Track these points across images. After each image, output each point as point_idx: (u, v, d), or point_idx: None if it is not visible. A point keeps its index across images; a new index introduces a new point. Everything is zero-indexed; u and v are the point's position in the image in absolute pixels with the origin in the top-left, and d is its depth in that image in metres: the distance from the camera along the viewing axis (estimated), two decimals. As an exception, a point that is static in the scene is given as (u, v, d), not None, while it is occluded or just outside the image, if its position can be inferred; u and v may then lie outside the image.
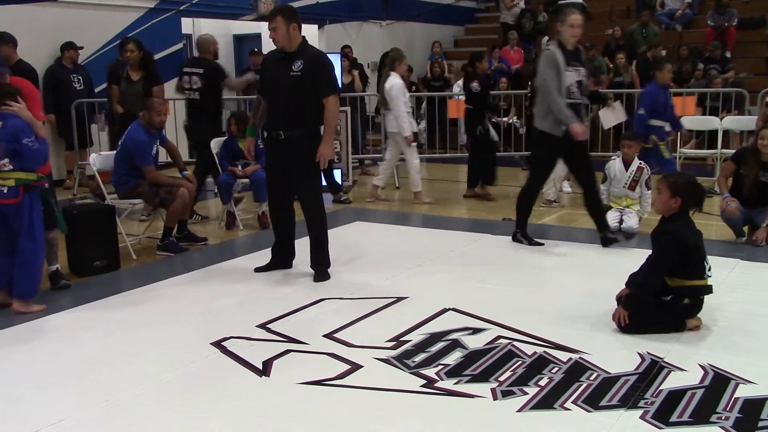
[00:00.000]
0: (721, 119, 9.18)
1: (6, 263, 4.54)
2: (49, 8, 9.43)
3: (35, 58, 8.45)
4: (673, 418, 3.06)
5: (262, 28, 14.59)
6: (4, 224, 4.48)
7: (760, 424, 3.02)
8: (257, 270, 5.31)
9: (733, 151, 7.18)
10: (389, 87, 7.81)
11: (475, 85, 8.14)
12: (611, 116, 8.72)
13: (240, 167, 6.86)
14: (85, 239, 5.36)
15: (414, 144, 8.05)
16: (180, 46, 11.51)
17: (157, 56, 10.53)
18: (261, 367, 3.63)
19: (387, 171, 8.46)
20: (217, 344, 3.93)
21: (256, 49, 12.20)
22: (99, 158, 6.38)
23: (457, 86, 12.07)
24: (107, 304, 4.70)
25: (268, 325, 4.21)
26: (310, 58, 4.96)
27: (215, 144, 7.23)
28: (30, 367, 3.72)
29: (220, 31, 15.26)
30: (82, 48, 9.38)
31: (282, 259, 5.34)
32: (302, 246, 5.29)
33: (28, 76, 6.86)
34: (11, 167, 4.40)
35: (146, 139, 5.96)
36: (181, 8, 11.28)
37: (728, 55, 11.95)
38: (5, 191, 4.40)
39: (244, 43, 15.60)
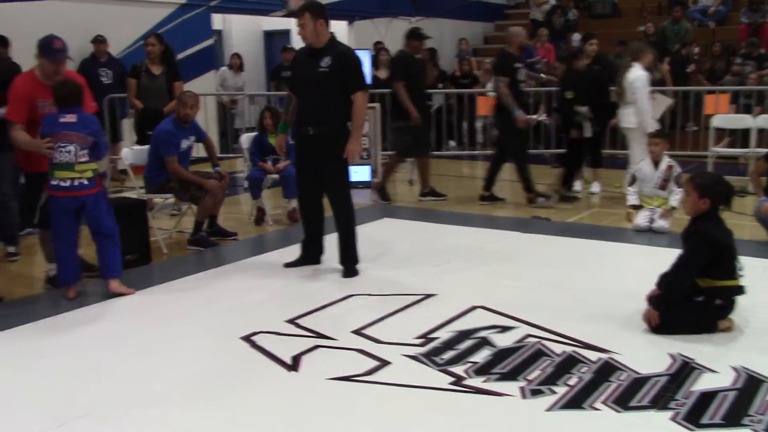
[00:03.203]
0: (754, 117, 9.04)
1: (74, 257, 4.69)
2: (82, 4, 9.55)
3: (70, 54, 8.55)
4: (704, 420, 3.03)
5: (292, 24, 14.62)
6: (77, 217, 4.62)
7: (794, 427, 2.98)
8: (286, 265, 5.34)
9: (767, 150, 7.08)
10: (634, 79, 7.33)
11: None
12: (657, 106, 8.56)
13: (270, 163, 6.90)
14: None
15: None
16: (210, 42, 11.59)
17: (187, 52, 10.70)
18: (290, 362, 3.65)
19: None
20: (247, 339, 3.96)
21: (288, 45, 12.25)
22: (131, 153, 6.46)
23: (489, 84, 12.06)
24: (138, 298, 4.76)
25: (297, 321, 4.23)
26: (338, 54, 4.97)
27: (246, 139, 7.28)
28: (61, 359, 3.78)
29: (251, 27, 15.43)
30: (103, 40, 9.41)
31: (311, 255, 5.37)
32: (331, 242, 5.31)
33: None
34: (88, 158, 4.57)
35: (172, 129, 6.02)
36: (212, 4, 11.35)
37: (762, 51, 11.76)
38: (86, 182, 4.58)
39: (274, 39, 15.68)
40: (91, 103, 5.08)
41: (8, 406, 3.26)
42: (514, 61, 7.57)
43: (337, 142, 4.98)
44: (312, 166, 5.13)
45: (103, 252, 4.74)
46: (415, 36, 7.75)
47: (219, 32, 14.20)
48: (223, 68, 12.52)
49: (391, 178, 8.24)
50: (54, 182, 4.54)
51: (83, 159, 4.55)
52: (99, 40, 9.22)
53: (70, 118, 4.54)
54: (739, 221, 6.36)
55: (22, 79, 4.95)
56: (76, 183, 4.55)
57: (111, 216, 4.75)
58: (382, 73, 10.38)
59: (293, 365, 3.63)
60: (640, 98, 7.31)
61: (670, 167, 6.40)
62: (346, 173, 5.20)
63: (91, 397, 3.31)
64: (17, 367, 3.70)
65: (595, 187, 8.09)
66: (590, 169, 8.24)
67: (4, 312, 4.53)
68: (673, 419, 3.04)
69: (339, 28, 12.09)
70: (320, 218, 5.32)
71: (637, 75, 7.37)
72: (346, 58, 4.99)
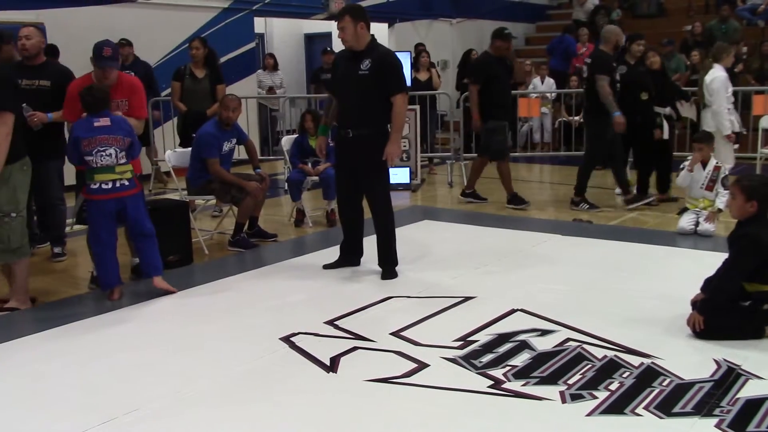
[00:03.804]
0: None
1: (115, 261, 4.77)
2: (126, 9, 9.72)
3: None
4: (751, 428, 2.95)
5: (333, 27, 14.66)
6: (115, 219, 4.70)
7: None
8: (326, 267, 5.35)
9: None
10: (710, 80, 7.23)
11: None
12: (686, 113, 8.40)
13: (310, 165, 6.94)
14: (160, 234, 5.50)
15: (736, 145, 7.50)
16: (252, 45, 11.70)
17: (230, 56, 10.82)
18: (328, 364, 3.66)
19: None
20: (286, 339, 3.98)
21: (328, 48, 12.31)
22: (174, 155, 6.55)
23: (532, 84, 11.97)
24: (180, 298, 4.82)
25: (336, 322, 4.24)
26: (378, 57, 4.97)
27: (286, 141, 7.32)
28: (106, 358, 3.84)
29: (292, 30, 15.56)
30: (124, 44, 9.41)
31: (350, 257, 5.38)
32: (370, 244, 5.31)
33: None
34: (125, 160, 4.66)
35: (214, 132, 6.08)
36: (254, 8, 11.46)
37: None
38: (126, 183, 4.67)
39: (315, 42, 15.78)
40: (143, 110, 5.20)
41: (56, 403, 3.33)
42: (612, 59, 7.35)
43: (377, 144, 4.98)
44: (351, 168, 5.14)
45: (146, 251, 4.82)
46: (499, 36, 7.52)
47: (261, 35, 14.33)
48: (258, 71, 12.58)
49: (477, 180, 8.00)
50: (94, 186, 4.59)
51: (122, 161, 4.63)
52: (123, 44, 9.21)
53: (104, 121, 4.61)
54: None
55: (79, 81, 5.11)
56: (117, 184, 4.62)
57: (148, 216, 4.84)
58: (423, 75, 10.38)
59: (332, 366, 3.64)
60: (716, 100, 7.13)
61: (717, 168, 6.27)
62: (386, 175, 5.20)
63: (137, 395, 3.36)
64: (64, 365, 3.77)
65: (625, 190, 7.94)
66: (632, 170, 8.11)
67: (51, 312, 4.62)
68: (719, 426, 2.97)
69: (379, 31, 12.12)
70: (359, 220, 5.33)
71: (714, 76, 7.18)
72: (386, 60, 4.99)
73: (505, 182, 7.71)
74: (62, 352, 3.95)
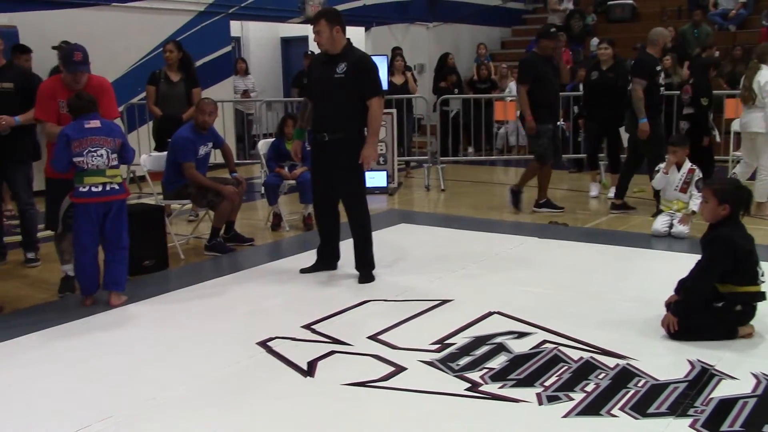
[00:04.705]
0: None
1: (96, 266, 4.71)
2: (100, 12, 9.64)
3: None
4: (724, 428, 2.99)
5: (310, 30, 14.67)
6: (100, 225, 4.60)
7: (816, 435, 2.93)
8: (303, 271, 5.34)
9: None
10: (765, 81, 7.00)
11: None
12: None
13: (287, 169, 6.92)
14: (135, 239, 5.45)
15: None
16: (228, 49, 11.65)
17: (205, 59, 10.77)
18: (306, 368, 3.65)
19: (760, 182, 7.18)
20: (263, 344, 3.96)
21: (310, 52, 12.28)
22: (149, 159, 6.50)
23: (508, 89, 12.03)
24: (155, 304, 4.78)
25: (313, 326, 4.23)
26: (353, 60, 4.97)
27: (263, 145, 7.30)
28: (80, 364, 3.80)
29: (268, 33, 15.51)
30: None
31: (327, 261, 5.37)
32: (347, 247, 5.30)
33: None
34: (117, 162, 4.63)
35: (190, 136, 6.04)
36: (230, 11, 11.42)
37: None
38: (117, 187, 4.61)
39: (292, 46, 15.76)
40: (115, 110, 5.13)
41: (29, 411, 3.28)
42: (656, 63, 7.22)
43: (353, 148, 4.98)
44: (327, 172, 5.13)
45: (117, 264, 4.71)
46: (545, 35, 7.35)
47: (237, 39, 14.27)
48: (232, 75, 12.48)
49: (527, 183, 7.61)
50: (83, 188, 4.52)
51: (114, 163, 4.59)
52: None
53: (94, 123, 4.58)
54: (760, 226, 6.30)
55: (48, 81, 5.07)
56: (108, 188, 4.56)
57: (127, 229, 4.75)
58: (398, 79, 10.39)
59: (309, 371, 3.63)
60: None
61: (692, 170, 6.34)
62: (362, 179, 5.20)
63: (112, 402, 3.32)
64: (38, 372, 3.72)
65: (612, 193, 8.02)
66: (609, 174, 8.18)
67: (22, 319, 4.56)
68: (692, 426, 3.00)
69: (356, 34, 12.11)
70: (336, 224, 5.32)
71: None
72: (361, 64, 4.99)
73: (540, 186, 7.50)
74: (34, 359, 3.90)
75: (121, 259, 4.73)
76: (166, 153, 6.30)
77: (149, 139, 8.68)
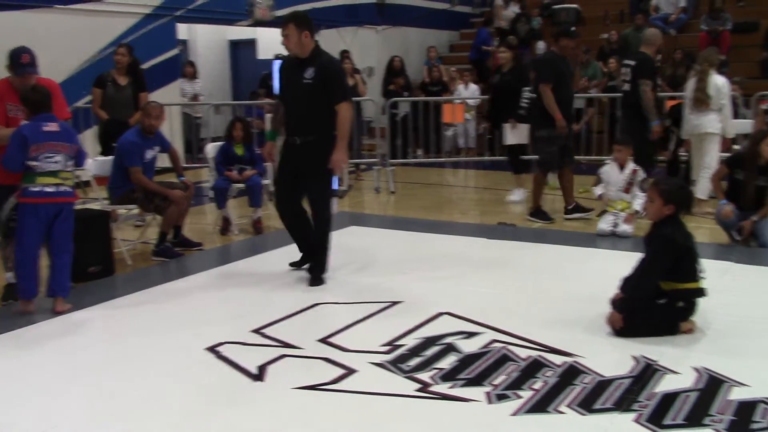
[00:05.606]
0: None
1: (37, 270, 4.62)
2: (45, 14, 9.43)
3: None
4: (667, 421, 3.07)
5: (258, 33, 14.63)
6: (48, 227, 4.51)
7: (753, 426, 3.03)
8: (291, 265, 5.36)
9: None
10: (722, 84, 7.17)
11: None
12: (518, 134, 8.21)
13: (236, 171, 6.87)
14: (80, 245, 5.35)
15: None
16: (175, 51, 11.51)
17: (153, 62, 10.61)
18: (256, 372, 3.63)
19: (703, 179, 7.24)
20: (212, 349, 3.92)
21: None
22: (94, 164, 6.38)
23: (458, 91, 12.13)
24: (102, 310, 4.70)
25: (262, 330, 4.21)
26: (321, 65, 4.98)
27: (211, 149, 7.23)
28: (23, 373, 3.71)
29: (216, 36, 15.37)
30: None
31: (312, 252, 5.31)
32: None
33: None
34: (72, 168, 4.57)
35: (137, 140, 5.96)
36: (177, 14, 11.28)
37: (723, 58, 11.97)
38: (69, 190, 4.55)
39: (240, 48, 15.64)
40: (66, 110, 5.03)
41: (-34, 422, 3.20)
42: (654, 63, 7.19)
43: (323, 150, 4.98)
44: (295, 172, 5.11)
45: (61, 269, 4.63)
46: (566, 34, 7.15)
47: (184, 42, 14.11)
48: (180, 79, 12.35)
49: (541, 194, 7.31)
50: (35, 188, 4.44)
51: (69, 169, 4.53)
52: None
53: (53, 127, 4.49)
54: (700, 224, 6.48)
55: None
56: (60, 189, 4.49)
57: (72, 233, 4.67)
58: (348, 81, 10.37)
59: (259, 375, 3.61)
60: (729, 103, 7.23)
61: (635, 171, 6.49)
62: (329, 183, 5.21)
63: (55, 412, 3.26)
64: (-24, 382, 3.63)
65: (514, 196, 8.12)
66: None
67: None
68: (637, 420, 3.07)
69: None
70: (304, 218, 5.26)
71: (723, 80, 7.28)
72: (328, 69, 5.00)
73: (565, 191, 7.30)
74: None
75: (66, 263, 4.65)
76: (111, 157, 6.20)
77: (94, 143, 8.50)
